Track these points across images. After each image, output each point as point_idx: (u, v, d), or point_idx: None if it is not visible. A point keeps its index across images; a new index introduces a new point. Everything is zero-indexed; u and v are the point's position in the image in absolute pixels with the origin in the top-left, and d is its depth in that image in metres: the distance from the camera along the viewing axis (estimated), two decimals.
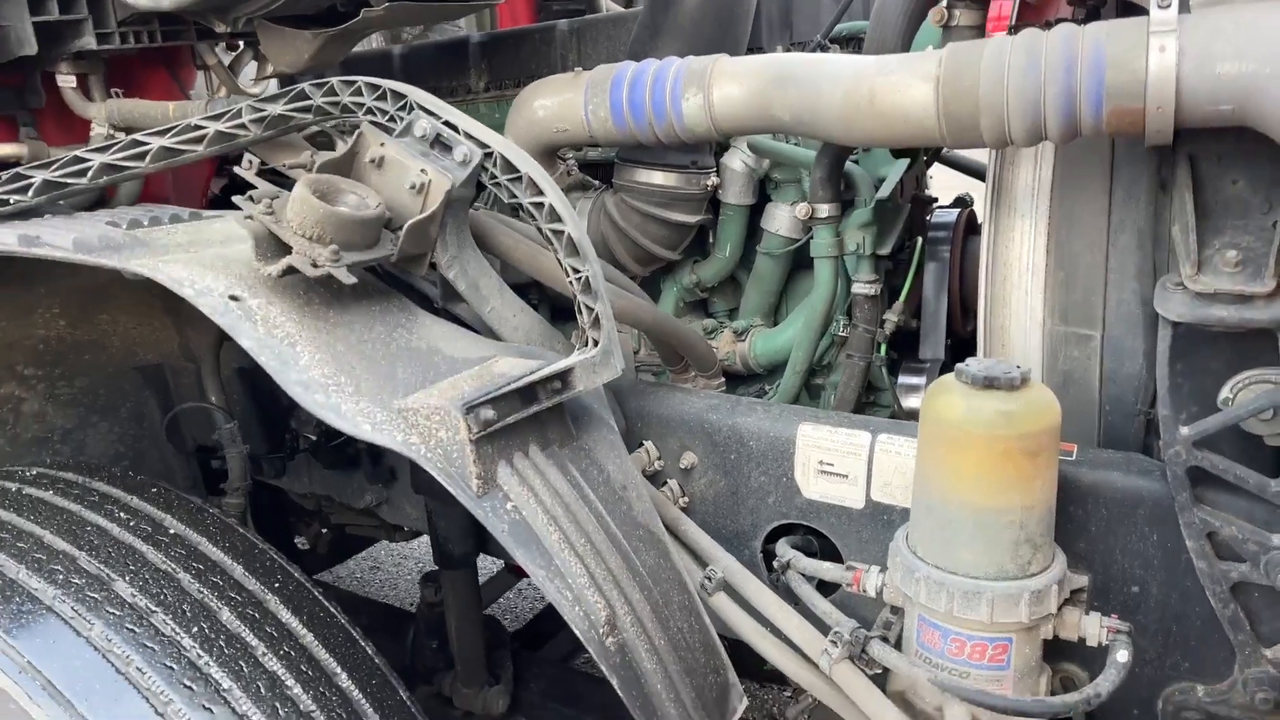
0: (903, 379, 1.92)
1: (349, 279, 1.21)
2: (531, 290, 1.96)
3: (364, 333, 1.27)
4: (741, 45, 1.92)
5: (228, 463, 1.92)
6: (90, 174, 1.46)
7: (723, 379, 1.87)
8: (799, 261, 2.02)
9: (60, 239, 1.24)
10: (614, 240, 1.98)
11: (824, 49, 1.92)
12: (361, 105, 1.44)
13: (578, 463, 1.32)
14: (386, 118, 1.43)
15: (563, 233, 1.35)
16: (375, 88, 1.43)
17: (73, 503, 1.38)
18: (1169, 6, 1.17)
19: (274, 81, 2.05)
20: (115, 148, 1.47)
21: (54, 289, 1.83)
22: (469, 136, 1.37)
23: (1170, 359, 1.29)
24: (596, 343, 1.35)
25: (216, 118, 1.48)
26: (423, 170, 1.33)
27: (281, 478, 2.30)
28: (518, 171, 1.36)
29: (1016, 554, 1.26)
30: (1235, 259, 1.20)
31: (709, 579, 1.54)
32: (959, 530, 1.28)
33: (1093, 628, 1.31)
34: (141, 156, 1.47)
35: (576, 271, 1.35)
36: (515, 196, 1.37)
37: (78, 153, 1.47)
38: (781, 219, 1.97)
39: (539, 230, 1.37)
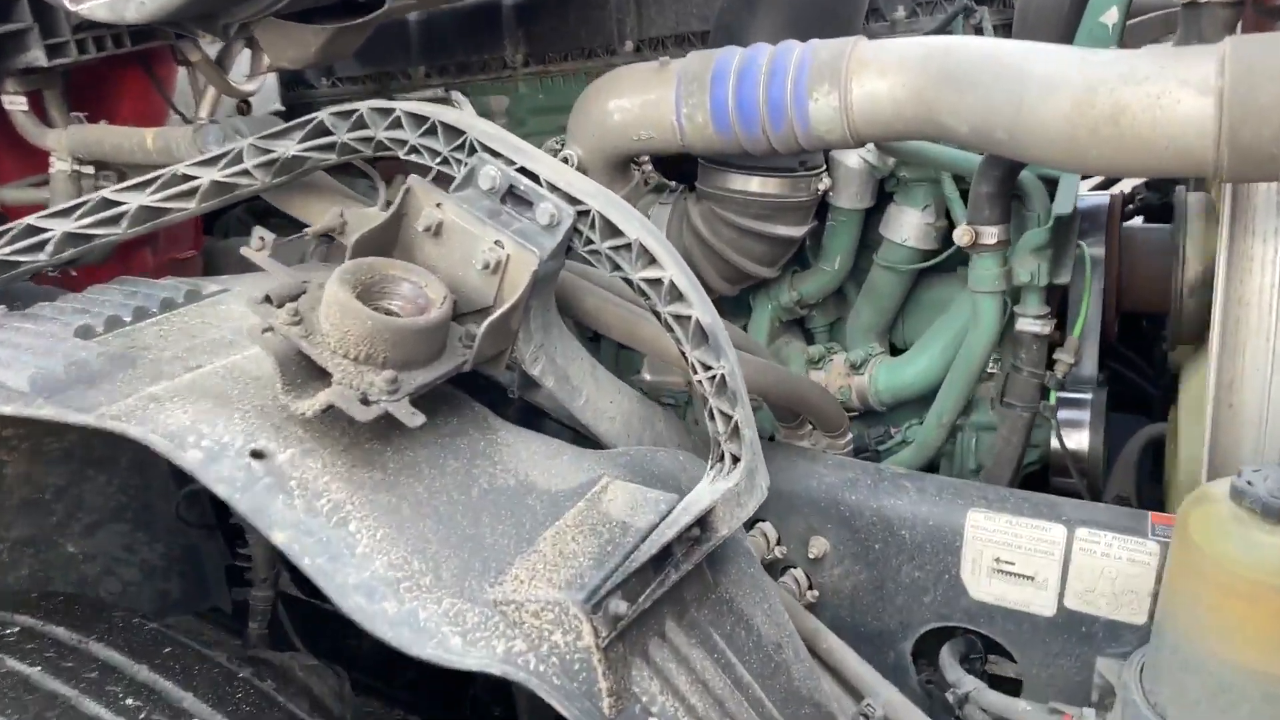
0: (1062, 414, 1.59)
1: (415, 420, 0.87)
2: None
3: (435, 476, 0.94)
4: (861, 9, 1.53)
5: (252, 551, 1.61)
6: (50, 248, 1.11)
7: (850, 437, 1.53)
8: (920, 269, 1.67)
9: (12, 377, 0.90)
10: (700, 257, 1.63)
11: (970, 11, 1.52)
12: (403, 143, 1.07)
13: (721, 625, 1.00)
14: (438, 160, 1.07)
15: (689, 318, 1.00)
16: (420, 120, 1.06)
17: (67, 684, 1.07)
18: None
19: (273, 77, 1.67)
20: (81, 212, 1.11)
21: None
22: (554, 189, 1.01)
23: None
24: (736, 460, 1.01)
25: (211, 163, 1.12)
26: (498, 242, 0.97)
27: None
28: (624, 235, 1.00)
29: None
30: None
31: (866, 716, 1.24)
32: (1239, 702, 0.96)
33: None
34: (115, 220, 1.11)
35: (708, 367, 1.01)
36: (620, 268, 1.02)
37: (31, 220, 1.11)
38: (909, 225, 1.60)
39: (657, 315, 1.02)
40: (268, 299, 0.93)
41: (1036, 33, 1.45)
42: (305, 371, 0.91)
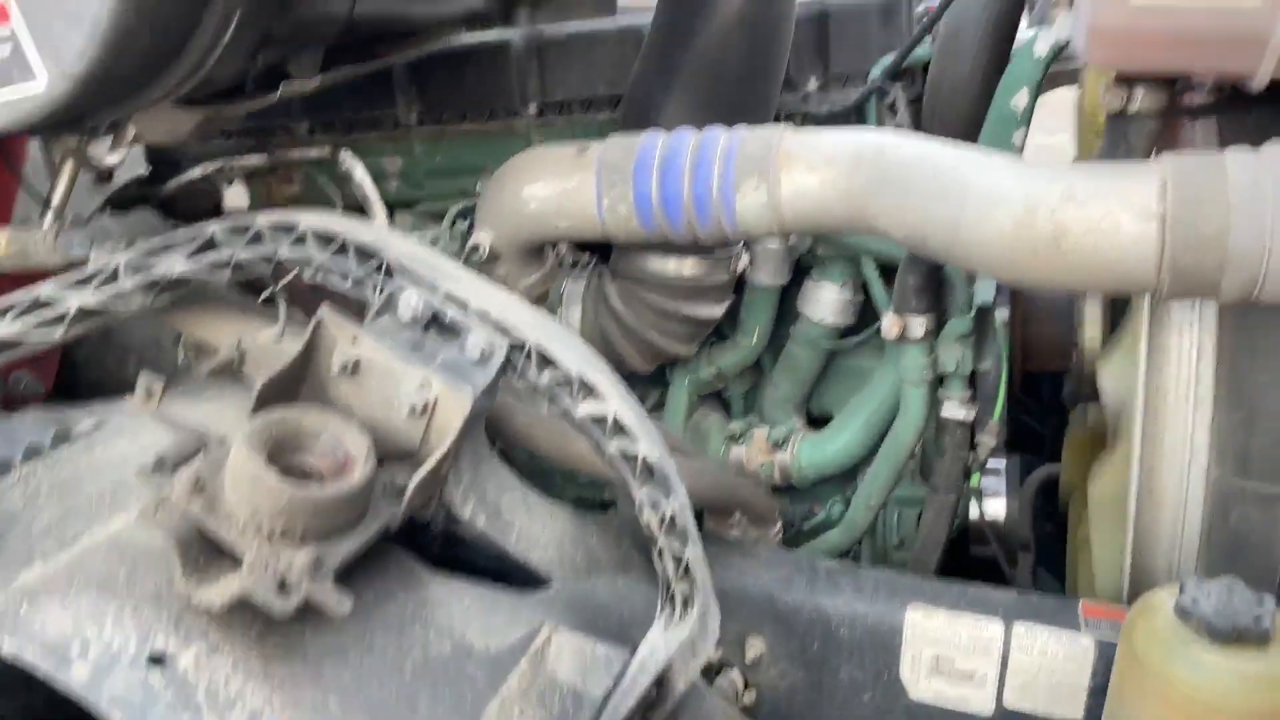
0: (984, 482, 1.60)
1: (343, 606, 0.77)
2: None
3: (363, 657, 0.83)
4: (776, 85, 1.50)
5: None
6: None
7: (779, 526, 1.50)
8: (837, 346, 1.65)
9: None
10: (617, 337, 1.56)
11: (883, 94, 1.51)
12: (308, 262, 0.97)
13: None
14: (349, 281, 0.96)
15: (636, 457, 0.93)
16: (328, 240, 0.96)
17: None
18: None
19: (140, 150, 1.51)
20: None
21: None
22: (485, 318, 0.93)
23: None
24: (687, 603, 0.95)
25: (80, 283, 0.98)
26: (425, 383, 0.88)
27: None
28: (563, 369, 0.93)
29: None
30: None
31: None
32: None
33: None
34: None
35: (655, 506, 0.94)
36: (555, 400, 0.94)
37: None
38: (825, 303, 1.58)
39: (600, 450, 0.94)
40: (161, 463, 0.81)
41: (947, 115, 1.45)
42: (207, 551, 0.79)
